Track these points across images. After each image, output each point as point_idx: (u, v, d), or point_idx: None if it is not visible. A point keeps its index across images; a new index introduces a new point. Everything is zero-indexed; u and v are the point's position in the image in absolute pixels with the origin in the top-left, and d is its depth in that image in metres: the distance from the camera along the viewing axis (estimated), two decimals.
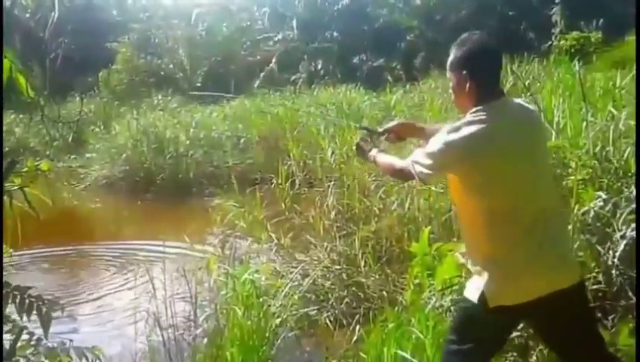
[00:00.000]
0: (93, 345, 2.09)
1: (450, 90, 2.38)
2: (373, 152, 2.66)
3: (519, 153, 2.20)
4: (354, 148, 2.84)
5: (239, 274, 3.12)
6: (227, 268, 3.32)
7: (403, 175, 2.45)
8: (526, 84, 4.57)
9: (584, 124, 3.62)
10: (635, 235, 2.83)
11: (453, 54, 2.31)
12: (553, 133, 3.82)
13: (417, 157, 2.30)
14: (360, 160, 2.84)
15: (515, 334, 3.03)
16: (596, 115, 3.79)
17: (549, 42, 16.65)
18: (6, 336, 2.16)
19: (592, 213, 2.99)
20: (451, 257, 3.13)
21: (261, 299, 3.19)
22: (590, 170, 3.26)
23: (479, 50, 2.27)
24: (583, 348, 2.30)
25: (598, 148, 3.41)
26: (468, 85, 2.23)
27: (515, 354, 3.02)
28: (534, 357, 2.98)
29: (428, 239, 3.39)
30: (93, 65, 19.53)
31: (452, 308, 2.98)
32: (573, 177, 3.29)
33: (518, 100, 2.54)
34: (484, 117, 2.17)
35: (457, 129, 2.20)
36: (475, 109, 2.21)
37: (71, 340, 2.29)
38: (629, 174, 3.13)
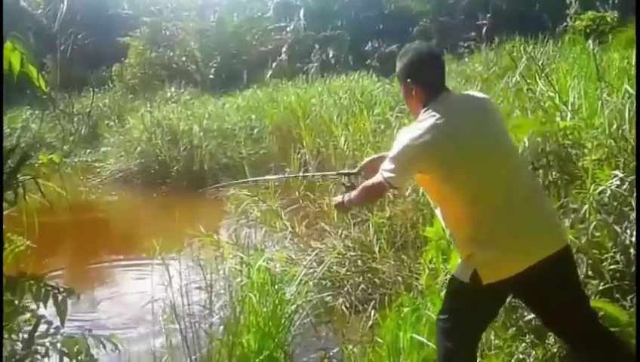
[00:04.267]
0: (110, 333, 2.10)
1: (403, 98, 2.63)
2: (346, 197, 2.76)
3: (475, 135, 2.36)
4: (334, 208, 3.03)
5: (254, 261, 3.13)
6: (242, 255, 3.32)
7: (376, 190, 2.55)
8: (540, 64, 4.50)
9: (599, 103, 3.56)
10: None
11: (397, 67, 2.55)
12: (568, 113, 3.77)
13: (383, 166, 2.46)
14: (342, 211, 3.08)
15: (530, 316, 3.02)
16: (612, 95, 3.73)
17: (564, 23, 16.38)
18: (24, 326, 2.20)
19: (608, 192, 2.96)
20: None
21: (276, 286, 3.19)
22: (606, 149, 3.21)
23: (417, 57, 2.49)
24: (570, 310, 2.40)
25: (614, 128, 3.36)
26: (414, 90, 2.46)
27: (532, 336, 3.00)
28: (552, 339, 2.95)
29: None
30: (106, 60, 19.62)
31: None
32: (589, 157, 3.25)
33: (466, 92, 2.90)
34: (433, 112, 2.36)
35: (411, 129, 2.42)
36: (424, 109, 2.41)
37: (90, 329, 2.32)
38: None
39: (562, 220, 3.09)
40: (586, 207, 2.94)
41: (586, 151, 3.35)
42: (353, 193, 2.71)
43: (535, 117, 3.57)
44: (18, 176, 2.03)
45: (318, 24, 22.02)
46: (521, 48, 7.39)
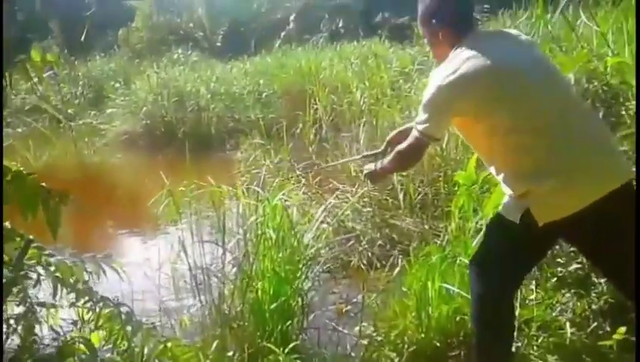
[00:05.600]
0: (111, 255, 1.85)
1: (428, 47, 2.41)
2: (378, 165, 2.52)
3: (517, 60, 2.11)
4: (364, 179, 2.70)
5: (271, 197, 2.86)
6: (258, 189, 3.04)
7: (413, 150, 2.26)
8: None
9: None
10: None
11: (420, 10, 2.32)
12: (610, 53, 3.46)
13: (416, 119, 2.20)
14: (375, 181, 2.80)
15: (574, 267, 2.76)
16: None
17: None
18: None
19: None
20: None
21: (293, 231, 2.92)
22: None
23: None
24: (629, 252, 2.06)
25: None
26: (440, 33, 2.24)
27: (575, 287, 2.74)
28: (596, 292, 2.69)
29: (475, 168, 3.09)
30: (113, 24, 19.23)
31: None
32: None
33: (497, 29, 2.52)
34: (464, 48, 2.13)
35: (442, 68, 2.14)
36: (454, 48, 2.18)
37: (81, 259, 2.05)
38: None
39: None
40: None
41: (634, 90, 3.05)
42: (386, 160, 2.45)
43: (579, 53, 3.26)
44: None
45: None
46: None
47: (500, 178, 2.24)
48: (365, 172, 2.60)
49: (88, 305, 2.00)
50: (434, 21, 2.25)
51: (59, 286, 1.85)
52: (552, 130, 2.05)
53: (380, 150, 2.73)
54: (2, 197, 1.65)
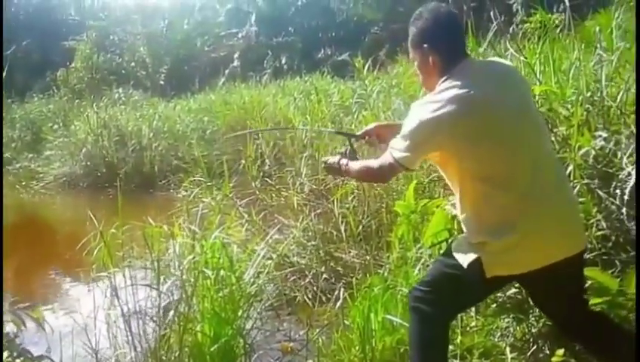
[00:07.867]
0: (33, 307, 1.75)
1: (417, 71, 2.28)
2: (344, 162, 2.44)
3: (502, 107, 2.03)
4: (323, 167, 2.67)
5: (208, 235, 2.79)
6: (194, 228, 2.96)
7: (383, 172, 2.23)
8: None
9: (572, 69, 3.42)
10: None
11: (411, 32, 2.24)
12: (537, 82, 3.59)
13: (394, 144, 2.13)
14: (333, 174, 2.71)
15: (513, 291, 2.80)
16: (586, 59, 3.57)
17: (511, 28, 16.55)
18: None
19: (592, 153, 2.75)
20: (441, 212, 2.86)
21: (234, 268, 2.85)
22: (585, 113, 3.03)
23: (435, 19, 2.19)
24: (570, 305, 2.17)
25: (589, 93, 3.19)
26: (431, 58, 2.16)
27: (514, 312, 2.77)
28: (535, 315, 2.73)
29: (414, 195, 3.12)
30: (52, 66, 18.85)
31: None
32: (565, 124, 3.08)
33: (490, 59, 2.50)
34: (453, 81, 2.05)
35: (428, 101, 2.07)
36: (443, 79, 2.10)
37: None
38: (627, 112, 2.92)
39: None
40: (571, 168, 2.73)
41: (561, 117, 3.17)
42: (354, 164, 2.38)
43: None
44: None
45: (270, 31, 21.81)
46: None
47: (461, 218, 2.20)
48: (328, 161, 2.54)
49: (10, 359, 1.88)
50: (425, 45, 2.17)
51: None
52: (521, 187, 2.01)
53: (357, 133, 2.68)
54: (2, 197, 1.54)
